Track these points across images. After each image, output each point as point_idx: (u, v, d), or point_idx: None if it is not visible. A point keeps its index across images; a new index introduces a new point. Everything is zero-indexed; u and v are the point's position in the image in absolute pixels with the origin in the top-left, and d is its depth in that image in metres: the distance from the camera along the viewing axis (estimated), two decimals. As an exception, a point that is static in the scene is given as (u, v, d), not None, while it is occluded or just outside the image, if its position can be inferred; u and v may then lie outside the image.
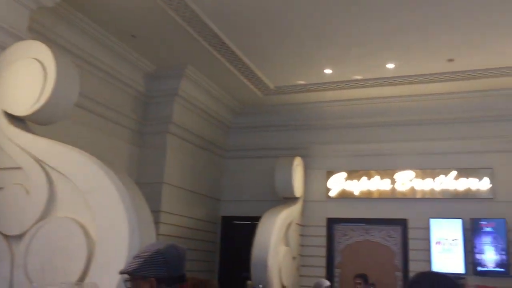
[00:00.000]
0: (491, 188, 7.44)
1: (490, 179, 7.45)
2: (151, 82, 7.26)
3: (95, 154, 3.79)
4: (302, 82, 7.71)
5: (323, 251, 8.19)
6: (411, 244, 7.71)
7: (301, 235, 8.23)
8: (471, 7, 5.32)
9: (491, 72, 6.88)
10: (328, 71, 7.21)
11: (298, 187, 8.09)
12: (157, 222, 6.73)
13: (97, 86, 6.36)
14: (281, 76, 7.57)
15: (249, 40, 6.36)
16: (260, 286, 6.59)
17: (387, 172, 8.00)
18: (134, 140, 7.18)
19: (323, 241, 8.23)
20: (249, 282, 6.76)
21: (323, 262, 8.14)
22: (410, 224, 7.77)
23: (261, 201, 8.23)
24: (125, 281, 2.15)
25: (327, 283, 6.69)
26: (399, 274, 7.77)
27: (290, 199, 8.02)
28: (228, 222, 8.72)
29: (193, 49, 6.54)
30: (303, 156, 8.34)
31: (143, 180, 6.85)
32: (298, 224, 8.15)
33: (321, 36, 6.18)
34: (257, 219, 7.42)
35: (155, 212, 6.67)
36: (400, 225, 7.88)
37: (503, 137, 7.43)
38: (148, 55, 6.88)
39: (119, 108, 6.80)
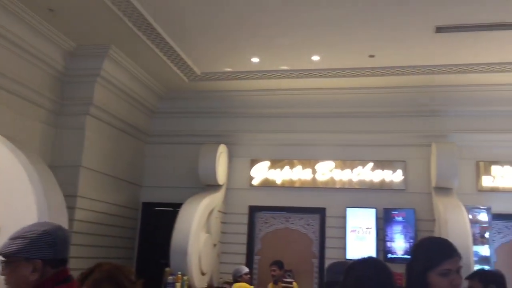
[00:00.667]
0: (403, 180, 7.87)
1: (403, 171, 7.88)
2: (71, 60, 6.90)
3: (4, 134, 3.54)
4: (229, 69, 7.68)
5: (244, 238, 8.27)
6: (328, 232, 7.99)
7: (223, 223, 8.26)
8: (391, 5, 5.54)
9: (408, 70, 7.24)
10: (255, 60, 7.24)
11: (221, 174, 8.09)
12: (73, 207, 6.48)
13: (10, 62, 5.94)
14: (208, 62, 7.49)
15: (177, 24, 6.22)
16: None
17: (310, 161, 8.21)
18: (50, 121, 6.80)
19: (244, 228, 8.31)
20: (167, 269, 6.68)
21: (243, 249, 8.22)
22: (328, 212, 8.04)
23: (183, 187, 8.15)
24: (1, 262, 2.00)
25: (246, 269, 6.79)
26: (315, 261, 8.04)
27: (213, 187, 8.01)
28: (149, 209, 8.55)
29: (117, 29, 6.29)
30: (227, 144, 8.35)
31: (59, 163, 6.54)
32: (220, 212, 8.16)
33: (249, 24, 6.18)
34: (179, 206, 7.36)
35: (71, 196, 6.40)
36: (319, 214, 8.14)
37: (416, 131, 7.87)
38: (68, 32, 6.52)
39: (34, 86, 6.40)
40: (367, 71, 7.38)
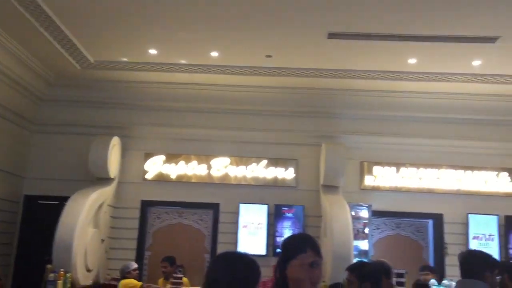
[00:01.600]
0: (295, 177, 8.18)
1: (294, 169, 8.18)
2: None
3: None
4: (125, 59, 7.43)
5: (134, 234, 8.06)
6: (221, 227, 8.06)
7: (113, 217, 7.98)
8: (288, 9, 5.71)
9: (302, 72, 7.52)
10: (152, 51, 7.07)
11: (113, 167, 7.81)
12: None
13: None
14: (103, 50, 7.18)
15: (69, 6, 5.87)
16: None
17: (205, 157, 8.21)
18: None
19: (135, 223, 8.10)
20: (49, 266, 6.31)
21: (134, 244, 8.02)
22: (222, 208, 8.11)
23: (72, 180, 7.76)
24: None
25: (135, 265, 6.62)
26: (207, 256, 8.08)
27: (104, 180, 7.72)
28: (32, 202, 8.00)
29: (2, 8, 5.79)
30: (121, 136, 8.07)
31: None
32: (110, 206, 7.88)
33: (148, 15, 6.02)
34: (66, 199, 6.97)
35: None
36: (212, 209, 8.18)
37: (308, 131, 8.22)
38: None
39: None
40: (264, 71, 7.55)
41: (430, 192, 8.03)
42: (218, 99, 8.18)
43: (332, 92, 8.02)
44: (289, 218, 7.94)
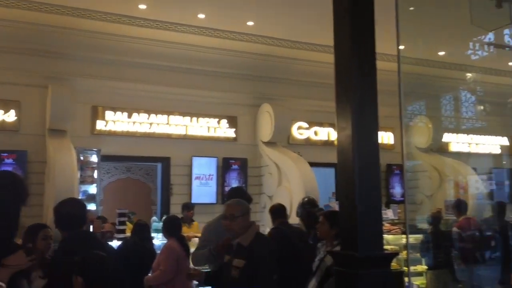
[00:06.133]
0: (17, 120, 7.52)
1: (16, 112, 7.51)
2: None
3: None
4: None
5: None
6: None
7: None
8: None
9: (25, 4, 6.84)
10: None
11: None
12: None
13: None
14: None
15: None
16: None
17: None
18: None
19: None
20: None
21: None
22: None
23: None
24: None
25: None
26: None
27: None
28: None
29: None
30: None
31: None
32: None
33: None
34: None
35: None
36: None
37: (32, 71, 7.58)
38: None
39: None
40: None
41: (160, 137, 8.44)
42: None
43: (59, 30, 7.51)
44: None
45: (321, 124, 9.53)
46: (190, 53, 8.38)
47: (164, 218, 5.88)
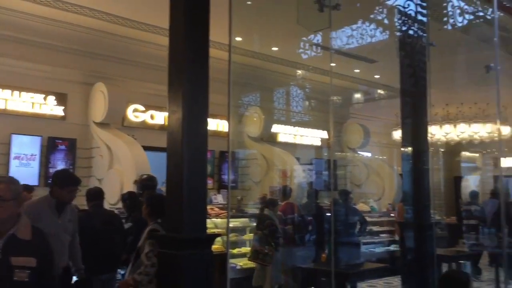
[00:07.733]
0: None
1: None
2: None
3: None
4: None
5: None
6: None
7: None
8: None
9: None
10: None
11: None
12: None
13: None
14: None
15: None
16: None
17: None
18: None
19: None
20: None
21: None
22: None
23: None
24: None
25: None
26: None
27: None
28: None
29: None
30: None
31: None
32: None
33: None
34: None
35: None
36: None
37: None
38: None
39: None
40: None
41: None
42: None
43: None
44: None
45: (158, 108, 9.37)
46: (16, 20, 7.55)
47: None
